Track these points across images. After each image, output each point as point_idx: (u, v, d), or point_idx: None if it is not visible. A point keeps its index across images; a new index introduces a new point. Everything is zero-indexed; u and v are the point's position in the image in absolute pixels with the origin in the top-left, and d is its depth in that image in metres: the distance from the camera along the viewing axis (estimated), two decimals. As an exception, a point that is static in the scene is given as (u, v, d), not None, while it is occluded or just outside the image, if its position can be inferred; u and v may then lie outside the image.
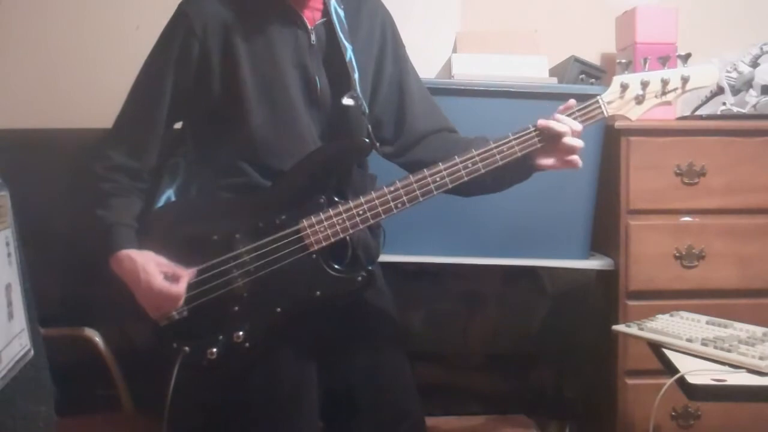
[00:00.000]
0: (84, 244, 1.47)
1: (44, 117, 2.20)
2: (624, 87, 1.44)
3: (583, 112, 1.43)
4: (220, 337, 1.37)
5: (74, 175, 1.66)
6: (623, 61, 1.51)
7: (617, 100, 1.45)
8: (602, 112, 1.43)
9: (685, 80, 1.44)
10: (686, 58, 1.46)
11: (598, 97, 1.44)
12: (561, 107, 1.44)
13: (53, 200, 1.83)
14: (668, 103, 1.46)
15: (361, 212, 1.37)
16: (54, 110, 2.24)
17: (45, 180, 1.91)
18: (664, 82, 1.44)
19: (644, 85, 1.44)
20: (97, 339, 1.87)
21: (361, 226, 1.38)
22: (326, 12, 1.46)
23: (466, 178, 1.39)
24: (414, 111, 1.55)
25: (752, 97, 2.12)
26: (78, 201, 1.52)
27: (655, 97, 1.45)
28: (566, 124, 1.40)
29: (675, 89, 1.45)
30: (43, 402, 1.03)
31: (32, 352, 1.00)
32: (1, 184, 0.99)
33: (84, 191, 1.49)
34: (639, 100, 1.45)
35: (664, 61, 1.46)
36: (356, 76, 1.45)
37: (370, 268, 1.43)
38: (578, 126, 1.41)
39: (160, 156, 1.48)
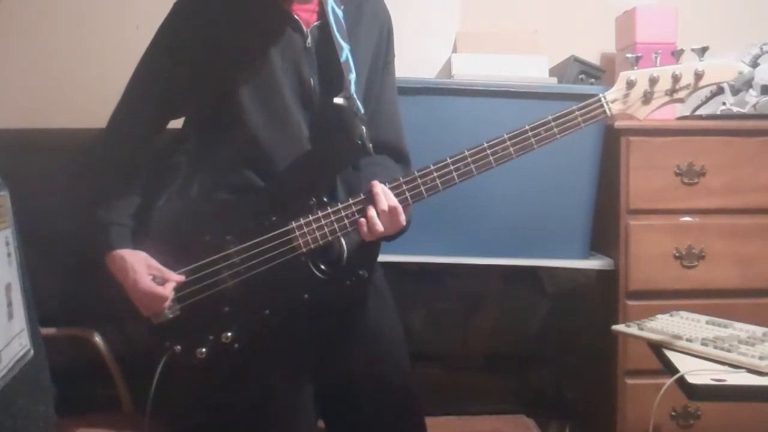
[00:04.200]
0: (84, 244, 1.47)
1: (44, 117, 2.20)
2: (630, 84, 1.35)
3: (583, 111, 1.35)
4: (210, 336, 1.36)
5: (71, 174, 1.66)
6: (631, 56, 1.38)
7: (622, 99, 1.36)
8: (604, 111, 1.35)
9: (699, 76, 1.33)
10: (703, 51, 1.34)
11: (600, 95, 1.36)
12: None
13: (53, 200, 1.82)
14: (681, 100, 1.36)
15: (349, 214, 1.36)
16: (54, 110, 2.24)
17: (45, 180, 1.91)
18: (676, 78, 1.33)
19: (653, 81, 1.34)
20: (97, 339, 1.87)
21: (349, 229, 1.36)
22: (323, 14, 1.44)
23: (457, 181, 1.36)
24: (378, 119, 1.50)
25: (752, 97, 2.12)
26: (77, 200, 1.52)
27: (665, 94, 1.35)
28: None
29: (687, 86, 1.34)
30: (43, 402, 1.03)
31: (32, 352, 1.00)
32: (1, 184, 0.99)
33: (81, 190, 1.49)
34: (647, 97, 1.35)
35: (678, 55, 1.36)
36: (352, 76, 1.43)
37: (361, 272, 1.41)
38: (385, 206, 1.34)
39: (160, 153, 1.48)
